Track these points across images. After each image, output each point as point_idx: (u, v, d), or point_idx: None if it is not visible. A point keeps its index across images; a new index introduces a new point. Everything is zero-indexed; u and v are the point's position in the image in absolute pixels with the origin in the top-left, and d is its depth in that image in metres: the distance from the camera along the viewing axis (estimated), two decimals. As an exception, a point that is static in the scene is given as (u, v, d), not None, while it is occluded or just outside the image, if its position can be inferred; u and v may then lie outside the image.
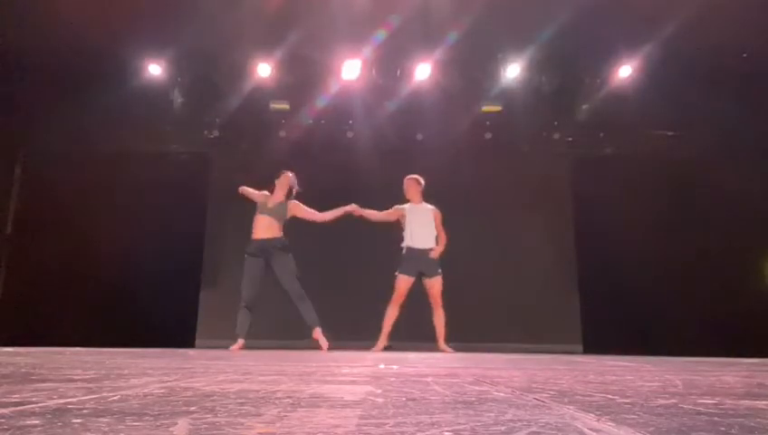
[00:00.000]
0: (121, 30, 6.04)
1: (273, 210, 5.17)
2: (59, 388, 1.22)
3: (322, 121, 7.52)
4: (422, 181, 5.43)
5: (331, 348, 4.99)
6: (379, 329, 5.20)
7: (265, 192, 5.25)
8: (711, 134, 6.87)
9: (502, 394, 1.21)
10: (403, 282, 5.22)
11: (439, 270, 5.25)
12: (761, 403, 1.12)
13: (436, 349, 5.15)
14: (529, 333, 6.83)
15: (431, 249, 5.26)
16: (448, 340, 5.21)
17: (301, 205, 5.28)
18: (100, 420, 0.79)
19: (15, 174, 7.19)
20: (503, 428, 0.77)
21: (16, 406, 0.92)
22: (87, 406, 0.93)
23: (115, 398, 1.04)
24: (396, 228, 5.43)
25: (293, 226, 5.34)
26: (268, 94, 7.10)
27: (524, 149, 7.65)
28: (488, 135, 7.53)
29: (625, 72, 6.70)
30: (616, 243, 6.93)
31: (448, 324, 5.22)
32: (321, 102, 7.18)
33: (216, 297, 7.07)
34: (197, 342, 6.98)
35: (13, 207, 7.11)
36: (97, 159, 7.01)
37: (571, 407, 1.00)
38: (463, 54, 6.61)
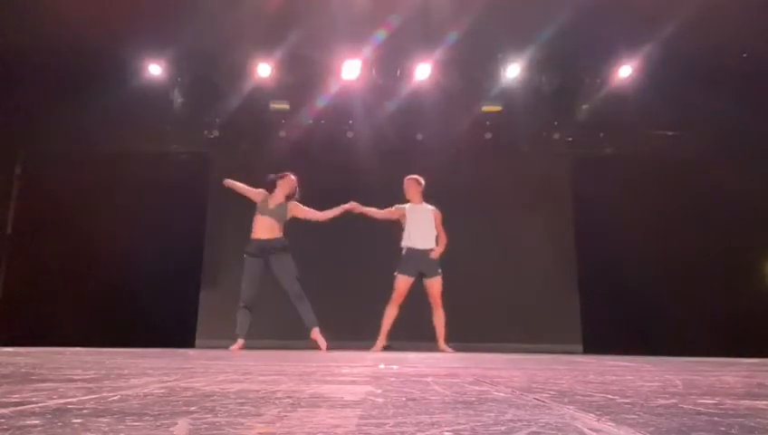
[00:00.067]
0: (121, 30, 6.04)
1: (273, 211, 5.17)
2: (59, 388, 1.22)
3: (322, 121, 7.52)
4: (422, 181, 5.43)
5: (330, 348, 4.99)
6: (378, 329, 5.20)
7: (261, 190, 5.24)
8: (711, 134, 6.87)
9: (502, 394, 1.21)
10: (402, 282, 5.22)
11: (439, 270, 5.25)
12: (761, 403, 1.12)
13: (436, 349, 5.15)
14: (529, 333, 6.83)
15: (431, 250, 5.26)
16: (448, 340, 5.21)
17: (300, 205, 5.28)
18: (100, 420, 0.79)
19: (15, 174, 7.20)
20: (503, 428, 0.77)
21: (16, 406, 0.92)
22: (87, 406, 0.93)
23: (115, 398, 1.04)
24: (396, 228, 5.43)
25: (293, 226, 5.34)
26: (268, 94, 7.10)
27: (524, 149, 7.65)
28: (488, 135, 7.53)
29: (625, 72, 6.70)
30: (616, 243, 6.93)
31: (448, 324, 5.22)
32: (321, 102, 7.18)
33: (216, 297, 7.07)
34: (197, 342, 6.98)
35: (13, 207, 7.11)
36: (97, 159, 7.01)
37: (571, 407, 1.00)
38: (463, 54, 6.61)
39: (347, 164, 7.16)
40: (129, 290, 6.61)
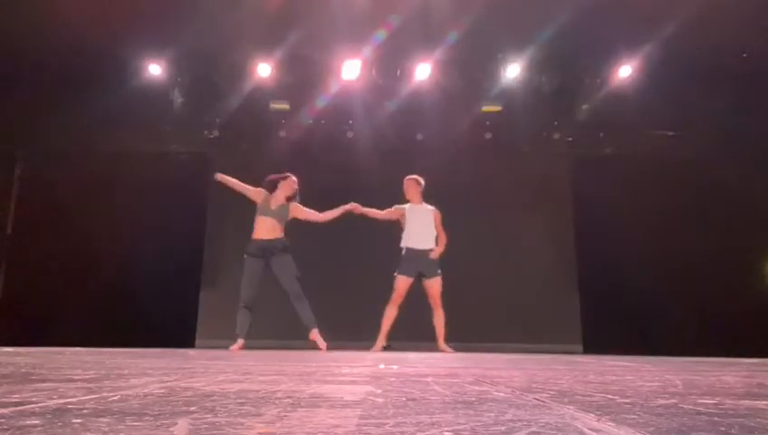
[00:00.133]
0: (121, 30, 6.04)
1: (275, 212, 5.16)
2: (59, 388, 1.22)
3: (322, 121, 7.52)
4: (422, 182, 5.42)
5: (330, 348, 4.99)
6: (378, 329, 5.19)
7: (261, 190, 5.22)
8: (711, 134, 6.87)
9: (502, 394, 1.21)
10: (402, 282, 5.22)
11: (439, 271, 5.24)
12: (761, 403, 1.12)
13: (436, 349, 5.15)
14: (529, 333, 6.83)
15: (430, 250, 5.25)
16: (448, 340, 5.21)
17: (300, 206, 5.28)
18: (100, 420, 0.79)
19: (15, 174, 7.20)
20: (503, 428, 0.77)
21: (16, 406, 0.92)
22: (87, 406, 0.93)
23: (115, 398, 1.04)
24: (396, 228, 5.43)
25: (293, 226, 5.34)
26: (268, 94, 7.10)
27: (524, 149, 7.65)
28: (488, 135, 7.53)
29: (625, 72, 6.70)
30: (616, 243, 6.93)
31: (448, 324, 5.22)
32: (321, 102, 7.18)
33: (216, 297, 7.07)
34: (197, 342, 6.98)
35: (13, 207, 7.11)
36: (97, 159, 7.02)
37: (571, 407, 1.00)
38: (463, 54, 6.61)
39: (347, 164, 7.16)
40: (129, 290, 6.61)
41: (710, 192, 6.70)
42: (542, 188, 7.51)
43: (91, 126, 6.97)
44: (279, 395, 1.13)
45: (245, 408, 0.93)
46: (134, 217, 6.78)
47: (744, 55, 6.32)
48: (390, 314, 5.20)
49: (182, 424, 0.76)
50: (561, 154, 7.71)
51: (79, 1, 5.55)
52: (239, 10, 5.70)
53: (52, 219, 6.76)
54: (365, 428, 0.75)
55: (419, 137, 7.60)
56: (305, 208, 5.27)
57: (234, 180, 5.29)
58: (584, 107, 7.25)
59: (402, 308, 5.23)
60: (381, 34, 6.09)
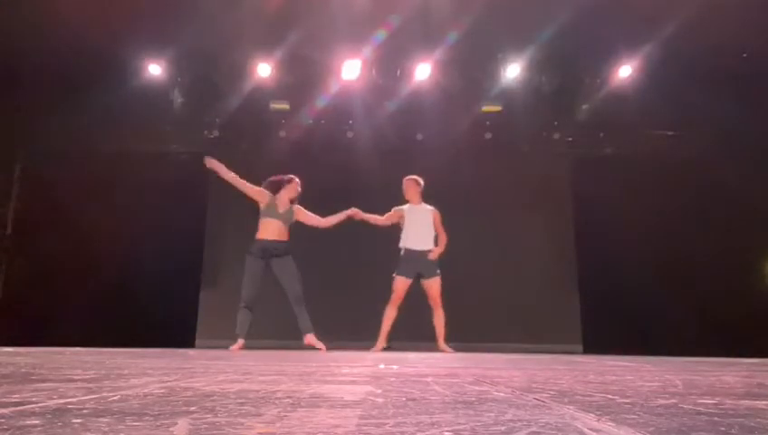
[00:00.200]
0: (121, 30, 6.04)
1: (282, 215, 5.17)
2: (59, 388, 1.22)
3: (322, 121, 7.52)
4: (421, 182, 5.41)
5: (330, 348, 4.99)
6: (378, 329, 5.19)
7: (263, 190, 5.21)
8: (711, 134, 6.87)
9: (502, 394, 1.21)
10: (400, 283, 5.21)
11: (438, 271, 5.23)
12: (761, 403, 1.12)
13: (436, 349, 5.15)
14: (529, 333, 6.84)
15: (429, 250, 5.24)
16: (448, 340, 5.21)
17: (303, 210, 5.29)
18: (100, 420, 0.79)
19: (15, 174, 7.20)
20: (503, 428, 0.77)
21: (16, 406, 0.92)
22: (87, 406, 0.93)
23: (115, 398, 1.04)
24: (396, 229, 5.43)
25: (293, 226, 5.34)
26: (268, 94, 7.10)
27: (524, 149, 7.66)
28: (488, 135, 7.53)
29: (625, 72, 6.70)
30: (616, 243, 6.93)
31: (448, 324, 5.22)
32: (321, 102, 7.18)
33: (216, 297, 7.07)
34: (197, 342, 6.98)
35: (13, 207, 7.11)
36: (97, 159, 7.02)
37: (571, 407, 1.00)
38: (463, 54, 6.61)
39: (347, 164, 7.16)
40: (129, 290, 6.62)
41: (710, 192, 6.69)
42: (542, 188, 7.51)
43: (91, 126, 6.97)
44: (279, 395, 1.13)
45: (245, 408, 0.93)
46: (134, 217, 6.78)
47: (744, 55, 6.32)
48: (390, 315, 5.20)
49: (182, 424, 0.76)
50: (561, 154, 7.71)
51: (79, 1, 5.55)
52: (239, 10, 5.70)
53: (52, 219, 6.76)
54: (365, 428, 0.75)
55: (419, 137, 7.60)
56: (308, 212, 5.28)
57: (230, 173, 5.22)
58: (584, 107, 7.25)
59: (402, 308, 5.23)
60: (381, 34, 6.09)
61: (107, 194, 6.79)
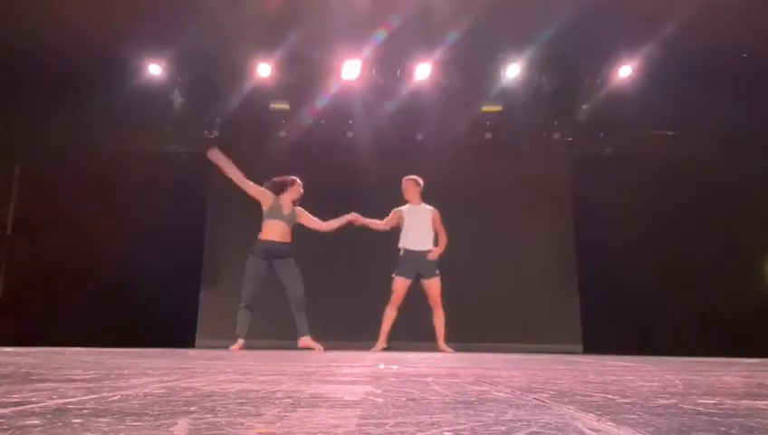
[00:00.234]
0: (121, 30, 6.04)
1: (286, 217, 5.18)
2: (59, 388, 1.22)
3: (322, 121, 7.52)
4: (421, 182, 5.41)
5: (330, 348, 4.99)
6: (378, 329, 5.19)
7: (266, 191, 5.21)
8: (711, 134, 6.87)
9: (502, 394, 1.21)
10: (400, 283, 5.21)
11: (437, 271, 5.22)
12: (761, 403, 1.12)
13: (436, 349, 5.15)
14: (529, 333, 6.84)
15: (428, 251, 5.23)
16: (448, 340, 5.21)
17: (306, 213, 5.30)
18: (100, 420, 0.79)
19: (15, 174, 7.20)
20: (503, 428, 0.77)
21: (16, 406, 0.92)
22: (87, 406, 0.93)
23: (115, 398, 1.04)
24: (396, 229, 5.43)
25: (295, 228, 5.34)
26: (268, 94, 7.10)
27: (524, 149, 7.65)
28: (488, 135, 7.53)
29: (625, 72, 6.70)
30: (616, 243, 6.93)
31: (448, 324, 5.22)
32: (321, 102, 7.18)
33: (216, 297, 7.07)
34: (197, 342, 6.98)
35: (13, 207, 7.11)
36: (97, 159, 7.02)
37: (571, 407, 1.00)
38: (463, 54, 6.61)
39: (347, 164, 7.16)
40: (129, 290, 6.61)
41: (710, 192, 6.69)
42: (542, 188, 7.51)
43: (91, 126, 6.97)
44: (279, 395, 1.13)
45: (245, 408, 0.93)
46: (134, 217, 6.78)
47: (744, 55, 6.31)
48: (390, 316, 5.20)
49: (182, 424, 0.76)
50: (561, 154, 7.71)
51: (79, 1, 5.55)
52: (239, 10, 5.70)
53: (52, 219, 6.76)
54: (365, 428, 0.75)
55: (419, 137, 7.60)
56: (310, 216, 5.30)
57: (233, 169, 5.18)
58: (584, 107, 7.25)
59: (402, 308, 5.23)
60: (381, 34, 6.09)
61: (107, 194, 6.79)
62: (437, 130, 7.49)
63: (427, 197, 5.45)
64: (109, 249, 6.72)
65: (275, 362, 2.57)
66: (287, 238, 5.16)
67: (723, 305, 6.24)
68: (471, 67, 6.91)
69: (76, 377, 1.53)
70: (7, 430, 0.70)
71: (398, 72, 6.92)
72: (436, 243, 5.30)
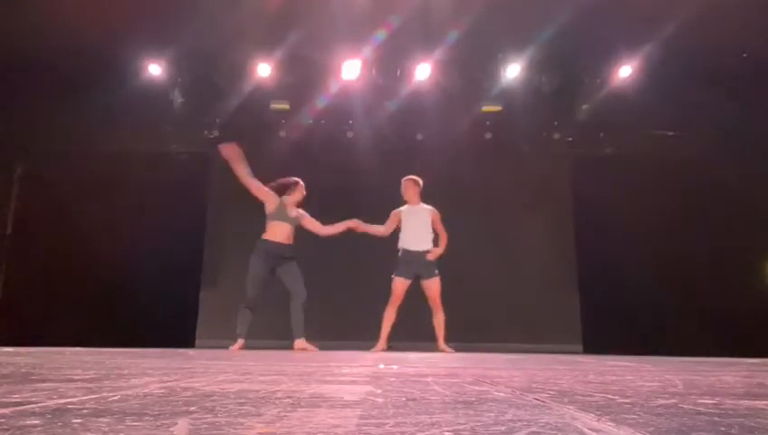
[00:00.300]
0: (121, 30, 6.04)
1: (292, 219, 5.20)
2: (59, 388, 1.22)
3: (322, 121, 7.52)
4: (420, 182, 5.39)
5: (330, 348, 5.00)
6: (378, 330, 5.19)
7: (271, 192, 5.21)
8: (711, 134, 6.87)
9: (502, 394, 1.21)
10: (399, 284, 5.21)
11: (436, 271, 5.21)
12: (761, 403, 1.12)
13: (436, 349, 5.15)
14: (529, 333, 6.83)
15: (427, 251, 5.22)
16: (448, 340, 5.21)
17: (308, 216, 5.32)
18: (100, 420, 0.79)
19: (15, 174, 7.20)
20: (503, 428, 0.77)
21: (16, 406, 0.92)
22: (87, 406, 0.93)
23: (115, 398, 1.04)
24: (396, 229, 5.43)
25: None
26: (268, 94, 7.10)
27: (524, 149, 7.65)
28: (488, 135, 7.53)
29: (625, 72, 6.70)
30: (616, 243, 6.93)
31: (448, 324, 5.22)
32: (321, 102, 7.18)
33: (216, 297, 7.07)
34: (197, 342, 6.98)
35: (13, 207, 7.11)
36: (97, 159, 7.02)
37: (571, 407, 1.00)
38: (463, 54, 6.61)
39: (347, 164, 7.15)
40: (129, 290, 6.61)
41: (710, 192, 6.69)
42: (542, 188, 7.51)
43: (91, 126, 6.97)
44: (279, 395, 1.13)
45: (245, 408, 0.93)
46: (134, 217, 6.78)
47: (744, 55, 6.32)
48: (390, 316, 5.19)
49: (182, 424, 0.76)
50: (561, 154, 7.70)
51: (79, 1, 5.55)
52: (239, 10, 5.70)
53: (52, 219, 6.76)
54: (365, 428, 0.75)
55: (419, 137, 7.60)
56: (312, 219, 5.31)
57: (243, 166, 5.14)
58: (584, 107, 7.25)
59: (402, 309, 5.23)
60: (381, 34, 6.09)
61: (107, 194, 6.79)
62: (437, 130, 7.49)
63: (427, 197, 5.45)
64: (109, 249, 6.71)
65: (275, 362, 2.57)
66: (291, 240, 5.18)
67: (723, 305, 6.24)
68: (471, 67, 6.91)
69: (76, 377, 1.53)
70: (7, 430, 0.70)
71: (398, 72, 6.92)
72: (435, 243, 5.29)
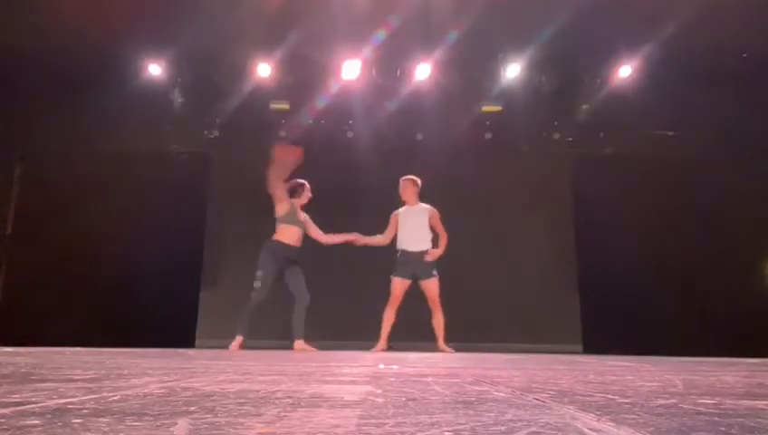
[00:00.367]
0: (121, 30, 6.04)
1: (301, 223, 5.26)
2: (59, 388, 1.22)
3: (322, 121, 7.52)
4: (418, 182, 5.38)
5: (330, 348, 5.01)
6: (378, 330, 5.19)
7: (287, 195, 5.23)
8: (711, 134, 6.87)
9: (502, 394, 1.21)
10: (398, 284, 5.20)
11: (434, 272, 5.19)
12: (761, 403, 1.12)
13: (436, 349, 5.15)
14: (529, 333, 6.83)
15: (425, 251, 5.21)
16: (448, 340, 5.20)
17: (311, 221, 5.37)
18: (100, 420, 0.79)
19: (15, 174, 7.20)
20: (503, 428, 0.77)
21: (16, 406, 0.92)
22: (87, 406, 0.93)
23: (115, 398, 1.04)
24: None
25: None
26: (268, 94, 7.10)
27: (524, 149, 7.65)
28: (488, 135, 7.53)
29: (625, 72, 6.70)
30: (616, 243, 6.93)
31: (448, 324, 5.21)
32: (321, 102, 7.18)
33: (216, 297, 7.07)
34: (197, 342, 6.98)
35: (13, 207, 7.11)
36: (97, 159, 7.01)
37: (571, 407, 1.00)
38: (463, 54, 6.61)
39: (347, 164, 7.15)
40: (129, 290, 6.61)
41: (710, 192, 6.69)
42: (542, 188, 7.51)
43: (91, 126, 6.97)
44: (279, 395, 1.13)
45: (245, 408, 0.93)
46: (134, 217, 6.78)
47: (744, 55, 6.31)
48: (389, 317, 5.19)
49: (182, 424, 0.76)
50: (561, 154, 7.70)
51: (79, 1, 5.55)
52: (239, 10, 5.70)
53: (52, 219, 6.76)
54: (365, 428, 0.75)
55: (419, 137, 7.60)
56: (314, 225, 5.37)
57: (286, 172, 5.20)
58: (584, 107, 7.25)
59: (402, 309, 5.23)
60: (381, 34, 6.09)
61: (107, 194, 6.79)
62: (437, 130, 7.49)
63: (426, 197, 5.44)
64: (109, 249, 6.72)
65: (275, 362, 2.57)
66: (300, 243, 5.26)
67: (723, 305, 6.24)
68: (471, 67, 6.91)
69: (76, 377, 1.53)
70: (7, 430, 0.70)
71: (398, 72, 6.92)
72: (435, 243, 5.27)
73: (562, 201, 7.65)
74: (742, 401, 1.13)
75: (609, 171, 7.31)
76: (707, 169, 6.70)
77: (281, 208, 5.19)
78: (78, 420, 0.78)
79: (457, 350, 5.10)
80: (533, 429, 0.76)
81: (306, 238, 5.42)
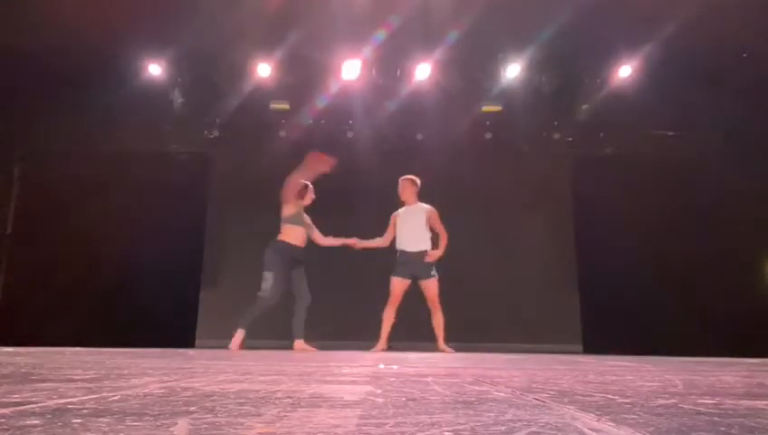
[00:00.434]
0: (121, 30, 6.04)
1: (306, 224, 5.28)
2: (59, 388, 1.22)
3: (322, 121, 7.52)
4: (418, 182, 5.37)
5: (330, 348, 5.01)
6: (378, 330, 5.19)
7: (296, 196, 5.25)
8: (711, 134, 6.87)
9: (502, 394, 1.21)
10: (397, 284, 5.20)
11: (433, 272, 5.18)
12: (761, 403, 1.12)
13: (435, 349, 5.14)
14: (529, 333, 6.83)
15: (424, 251, 5.20)
16: (448, 340, 5.20)
17: (312, 224, 5.37)
18: (100, 420, 0.79)
19: (15, 174, 7.20)
20: (503, 428, 0.77)
21: (16, 406, 0.92)
22: (87, 406, 0.93)
23: (115, 398, 1.04)
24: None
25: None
26: (268, 94, 7.10)
27: (524, 149, 7.65)
28: (488, 135, 7.53)
29: (625, 72, 6.70)
30: (616, 243, 6.93)
31: (448, 324, 5.21)
32: (321, 102, 7.18)
33: (216, 297, 7.07)
34: (197, 342, 6.98)
35: (13, 207, 7.11)
36: (97, 159, 7.02)
37: (571, 407, 1.00)
38: (463, 54, 6.61)
39: (347, 164, 7.14)
40: (129, 290, 6.62)
41: (710, 192, 6.69)
42: (542, 188, 7.51)
43: (91, 126, 6.97)
44: (279, 395, 1.13)
45: (245, 408, 0.93)
46: (134, 217, 6.79)
47: (744, 55, 6.31)
48: (389, 317, 5.18)
49: (182, 424, 0.76)
50: (561, 154, 7.70)
51: (79, 1, 5.55)
52: (239, 10, 5.70)
53: (52, 219, 6.76)
54: (365, 428, 0.75)
55: (419, 137, 7.60)
56: (314, 227, 5.38)
57: (309, 177, 5.23)
58: (584, 107, 7.25)
59: (402, 309, 5.23)
60: (381, 34, 6.09)
61: (107, 194, 6.79)
62: (437, 130, 7.49)
63: (427, 197, 5.44)
64: (109, 249, 6.72)
65: (275, 362, 2.57)
66: (304, 244, 5.27)
67: (723, 305, 6.24)
68: (471, 67, 6.91)
69: (76, 377, 1.53)
70: (7, 430, 0.70)
71: (398, 72, 6.92)
72: (435, 243, 5.27)
73: (562, 201, 7.65)
74: (742, 401, 1.13)
75: (609, 171, 7.31)
76: (707, 169, 6.70)
77: (288, 209, 5.20)
78: (78, 420, 0.78)
79: (457, 350, 5.10)
80: (533, 429, 0.76)
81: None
